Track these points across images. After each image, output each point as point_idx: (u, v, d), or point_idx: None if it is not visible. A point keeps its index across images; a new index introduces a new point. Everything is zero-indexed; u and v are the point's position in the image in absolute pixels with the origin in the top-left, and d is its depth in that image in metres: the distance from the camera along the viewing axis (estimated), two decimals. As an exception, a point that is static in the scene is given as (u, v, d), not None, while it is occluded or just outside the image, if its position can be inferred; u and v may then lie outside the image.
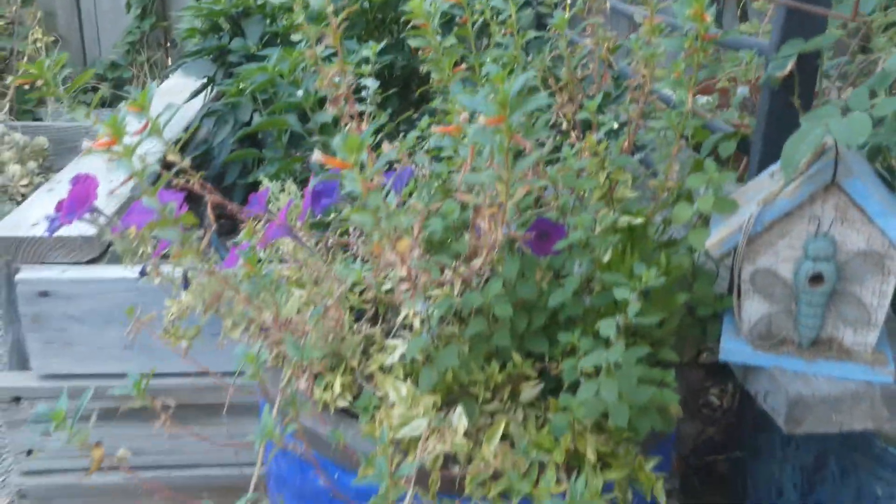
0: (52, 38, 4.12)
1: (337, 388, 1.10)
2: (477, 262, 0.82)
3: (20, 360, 1.71)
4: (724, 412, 2.16)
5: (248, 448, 1.68)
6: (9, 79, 4.15)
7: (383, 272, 0.90)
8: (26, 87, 4.23)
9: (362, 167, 0.65)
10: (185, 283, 0.99)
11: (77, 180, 1.10)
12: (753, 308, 1.06)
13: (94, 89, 3.89)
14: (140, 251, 1.12)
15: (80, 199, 1.04)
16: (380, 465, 0.81)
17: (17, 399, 1.67)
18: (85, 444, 0.76)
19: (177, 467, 1.75)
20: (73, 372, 1.64)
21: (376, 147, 1.24)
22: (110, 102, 3.89)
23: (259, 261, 0.92)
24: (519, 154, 0.74)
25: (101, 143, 0.73)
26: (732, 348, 1.07)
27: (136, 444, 1.71)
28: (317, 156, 0.68)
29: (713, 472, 2.00)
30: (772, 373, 1.04)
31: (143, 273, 1.03)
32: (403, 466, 0.82)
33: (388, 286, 0.96)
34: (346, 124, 1.21)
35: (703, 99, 1.69)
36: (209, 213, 0.87)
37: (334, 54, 1.22)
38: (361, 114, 1.27)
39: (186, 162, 0.82)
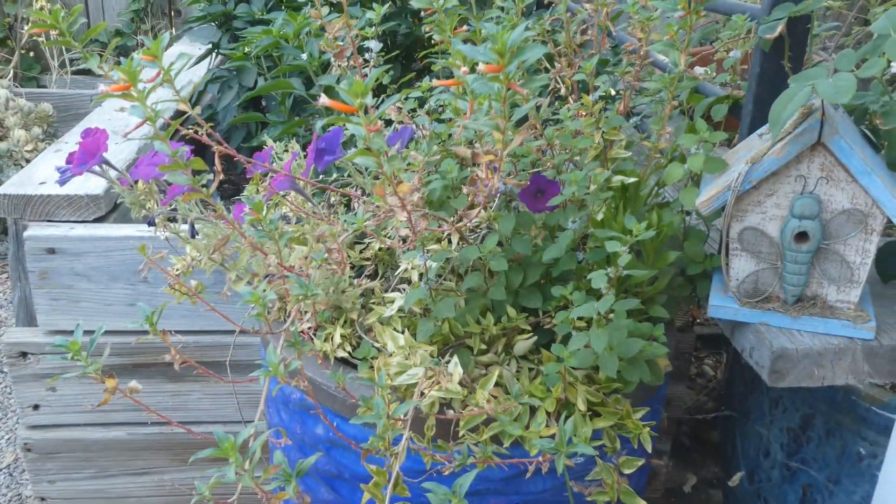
0: (56, 5, 4.14)
1: (337, 338, 1.14)
2: (474, 212, 0.85)
3: (27, 317, 1.75)
4: (717, 382, 2.21)
5: (253, 406, 1.72)
6: (13, 44, 4.16)
7: (383, 223, 0.93)
8: (31, 53, 4.24)
9: (366, 111, 0.68)
10: (192, 231, 1.02)
11: (87, 133, 1.13)
12: (741, 266, 1.09)
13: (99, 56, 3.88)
14: (147, 204, 1.15)
15: (90, 151, 1.07)
16: (378, 406, 0.85)
17: (23, 354, 1.71)
18: (99, 375, 0.79)
19: (179, 424, 1.79)
20: (73, 328, 1.67)
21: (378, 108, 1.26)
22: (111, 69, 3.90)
23: (264, 209, 0.95)
24: (515, 105, 0.77)
25: (117, 87, 0.76)
26: (720, 305, 1.11)
27: (139, 400, 1.75)
28: (323, 99, 0.71)
29: (705, 439, 2.04)
30: (757, 328, 1.08)
31: (150, 223, 1.06)
32: (399, 407, 0.85)
33: (386, 242, 0.99)
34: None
35: (700, 70, 1.72)
36: (216, 162, 0.90)
37: (339, 17, 1.24)
38: (366, 68, 1.30)
39: (197, 110, 0.85)
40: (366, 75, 1.38)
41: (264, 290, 0.79)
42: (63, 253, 1.62)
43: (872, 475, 1.28)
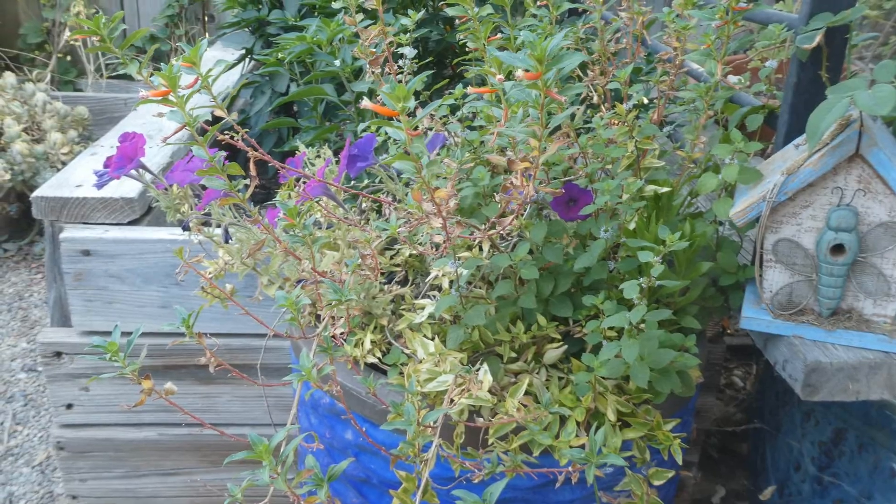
0: (93, 11, 4.19)
1: (367, 344, 1.14)
2: (507, 219, 0.86)
3: (62, 317, 1.77)
4: (747, 393, 2.19)
5: (282, 409, 1.74)
6: (51, 49, 4.23)
7: (416, 229, 0.93)
8: (68, 57, 4.31)
9: (411, 114, 0.69)
10: (227, 236, 1.03)
11: (125, 137, 1.15)
12: (775, 278, 1.08)
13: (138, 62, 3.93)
14: (182, 208, 1.16)
15: (128, 155, 1.08)
16: (408, 412, 0.85)
17: (58, 354, 1.73)
18: (135, 377, 0.80)
19: (211, 426, 1.80)
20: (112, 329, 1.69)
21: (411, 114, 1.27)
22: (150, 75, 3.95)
23: (298, 214, 0.96)
24: (551, 114, 0.77)
25: (157, 93, 0.77)
26: (753, 317, 1.10)
27: (173, 401, 1.77)
28: (366, 102, 0.71)
29: (734, 451, 2.02)
30: (791, 341, 1.07)
31: (185, 228, 1.07)
32: (430, 413, 0.86)
33: (418, 249, 1.00)
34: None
35: (734, 78, 1.70)
36: (251, 168, 0.91)
37: (373, 24, 1.24)
38: (400, 74, 1.30)
39: (233, 116, 0.86)
40: (400, 82, 1.39)
41: (298, 295, 0.80)
42: (98, 255, 1.64)
43: (906, 491, 1.26)
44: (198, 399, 1.77)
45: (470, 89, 0.93)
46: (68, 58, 4.31)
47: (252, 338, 1.69)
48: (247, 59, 2.32)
